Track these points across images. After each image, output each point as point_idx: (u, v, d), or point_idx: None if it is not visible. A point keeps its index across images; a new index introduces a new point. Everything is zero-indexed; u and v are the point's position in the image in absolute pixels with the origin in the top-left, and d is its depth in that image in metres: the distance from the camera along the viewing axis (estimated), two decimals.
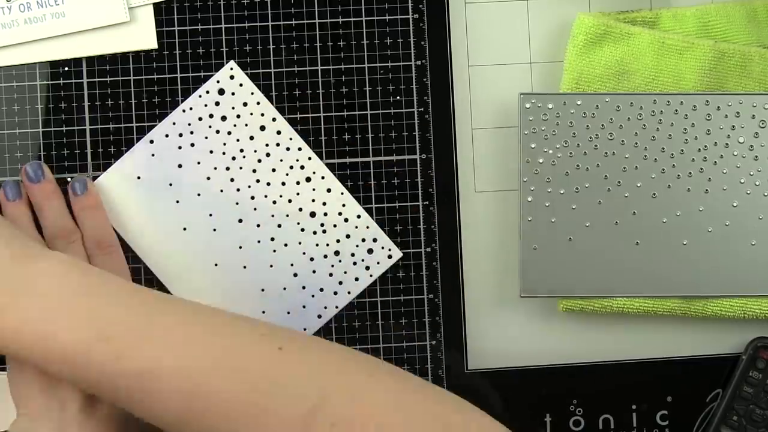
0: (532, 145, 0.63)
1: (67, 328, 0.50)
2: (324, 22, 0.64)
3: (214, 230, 0.64)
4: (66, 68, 0.63)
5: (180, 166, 0.64)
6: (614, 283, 0.63)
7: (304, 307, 0.64)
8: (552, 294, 0.63)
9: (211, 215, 0.64)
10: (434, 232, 0.64)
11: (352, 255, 0.64)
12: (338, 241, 0.64)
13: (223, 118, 0.64)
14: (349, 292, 0.64)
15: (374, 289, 0.64)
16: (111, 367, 0.50)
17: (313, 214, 0.64)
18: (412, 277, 0.64)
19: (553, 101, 0.62)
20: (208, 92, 0.64)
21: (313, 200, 0.64)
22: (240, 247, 0.64)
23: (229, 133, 0.64)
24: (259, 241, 0.64)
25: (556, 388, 0.64)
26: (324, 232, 0.64)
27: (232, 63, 0.64)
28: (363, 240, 0.64)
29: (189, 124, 0.64)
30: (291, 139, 0.64)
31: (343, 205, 0.64)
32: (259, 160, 0.64)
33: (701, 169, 0.62)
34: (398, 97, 0.64)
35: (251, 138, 0.64)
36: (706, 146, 0.62)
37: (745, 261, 0.63)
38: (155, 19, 0.63)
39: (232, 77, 0.64)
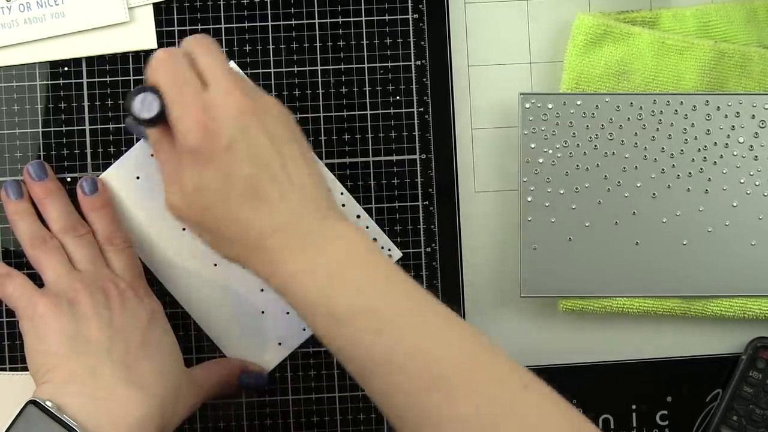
0: (532, 145, 0.63)
1: (342, 291, 0.51)
2: (324, 22, 0.64)
3: None
4: (66, 68, 0.63)
5: None
6: (614, 283, 0.63)
7: None
8: (552, 294, 0.63)
9: None
10: (434, 232, 0.64)
11: None
12: None
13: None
14: None
15: None
16: (367, 339, 0.50)
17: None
18: (412, 277, 0.64)
19: (553, 101, 0.62)
20: None
21: None
22: None
23: None
24: None
25: (556, 388, 0.64)
26: (342, 206, 0.64)
27: (232, 63, 0.64)
28: None
29: None
30: None
31: (343, 205, 0.64)
32: None
33: (701, 169, 0.63)
34: (398, 97, 0.64)
35: None
36: (706, 146, 0.62)
37: (745, 261, 0.63)
38: (155, 19, 0.63)
39: None
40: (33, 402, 0.53)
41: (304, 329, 0.64)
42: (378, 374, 0.51)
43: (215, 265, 0.64)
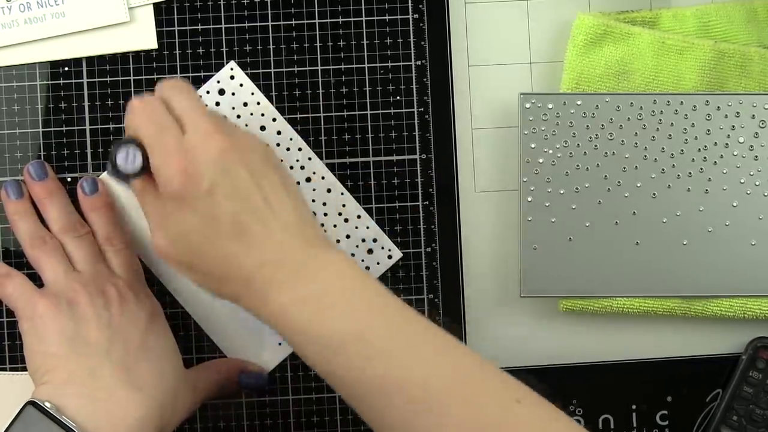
0: (532, 145, 0.63)
1: (331, 319, 0.51)
2: (324, 22, 0.64)
3: None
4: (66, 68, 0.63)
5: None
6: (614, 283, 0.63)
7: None
8: (552, 294, 0.63)
9: None
10: (434, 232, 0.64)
11: (352, 255, 0.64)
12: (338, 241, 0.64)
13: (224, 119, 0.64)
14: None
15: None
16: (359, 365, 0.51)
17: (313, 215, 0.64)
18: (412, 277, 0.64)
19: (553, 101, 0.62)
20: (208, 92, 0.64)
21: (313, 200, 0.64)
22: None
23: None
24: None
25: (556, 388, 0.64)
26: (324, 232, 0.64)
27: (232, 63, 0.64)
28: (363, 240, 0.64)
29: None
30: (291, 139, 0.64)
31: (343, 205, 0.64)
32: None
33: (701, 169, 0.62)
34: (398, 97, 0.64)
35: None
36: (706, 146, 0.62)
37: (745, 261, 0.63)
38: (155, 19, 0.63)
39: (232, 77, 0.64)
40: (32, 403, 0.53)
41: None
42: (370, 399, 0.51)
43: None
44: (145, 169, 0.53)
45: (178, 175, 0.51)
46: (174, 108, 0.54)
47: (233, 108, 0.64)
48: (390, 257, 0.64)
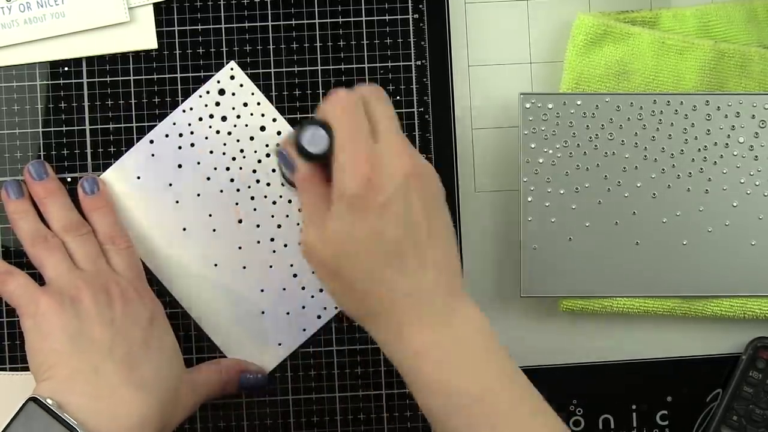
0: (532, 145, 0.63)
1: (463, 373, 0.51)
2: (324, 22, 0.64)
3: (214, 231, 0.64)
4: (66, 68, 0.63)
5: (180, 166, 0.64)
6: (614, 283, 0.63)
7: (303, 307, 0.64)
8: (552, 294, 0.63)
9: (210, 216, 0.64)
10: None
11: None
12: None
13: (224, 119, 0.64)
14: None
15: None
16: (476, 423, 0.51)
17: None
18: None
19: (553, 101, 0.62)
20: (208, 92, 0.64)
21: None
22: (240, 248, 0.64)
23: (230, 133, 0.64)
24: (258, 242, 0.64)
25: (556, 388, 0.64)
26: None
27: (232, 63, 0.64)
28: None
29: (189, 125, 0.64)
30: None
31: None
32: (259, 161, 0.64)
33: (701, 169, 0.63)
34: (398, 97, 0.64)
35: (251, 138, 0.64)
36: (706, 146, 0.62)
37: (745, 261, 0.63)
38: (155, 19, 0.63)
39: (232, 77, 0.64)
40: (33, 399, 0.53)
41: (304, 330, 0.64)
42: None
43: (215, 265, 0.64)
44: (322, 158, 0.52)
45: (359, 179, 0.50)
46: (372, 113, 0.53)
47: (233, 108, 0.64)
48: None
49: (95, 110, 0.64)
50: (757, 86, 0.63)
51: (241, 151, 0.64)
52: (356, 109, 0.52)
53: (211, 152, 0.64)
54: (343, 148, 0.51)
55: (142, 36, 0.63)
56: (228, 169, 0.64)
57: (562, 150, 0.63)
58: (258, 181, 0.64)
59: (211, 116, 0.64)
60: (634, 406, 0.65)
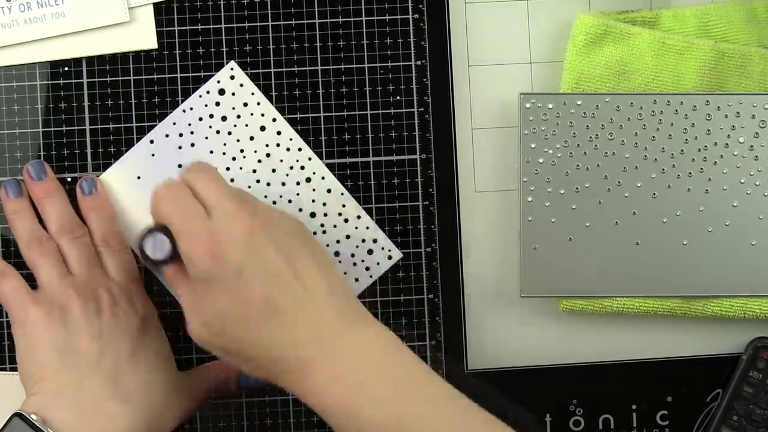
0: (532, 145, 0.63)
1: (370, 403, 0.51)
2: (324, 22, 0.64)
3: None
4: (66, 68, 0.63)
5: (180, 166, 0.64)
6: (614, 283, 0.63)
7: None
8: (552, 294, 0.63)
9: None
10: (434, 232, 0.64)
11: (352, 256, 0.64)
12: (338, 241, 0.64)
13: (224, 119, 0.64)
14: None
15: (374, 290, 0.64)
16: None
17: (313, 215, 0.64)
18: (412, 278, 0.64)
19: (553, 101, 0.62)
20: (208, 92, 0.64)
21: (313, 201, 0.64)
22: None
23: (230, 133, 0.64)
24: None
25: (556, 388, 0.64)
26: (324, 232, 0.64)
27: (232, 63, 0.64)
28: (363, 241, 0.64)
29: (189, 125, 0.64)
30: (291, 139, 0.64)
31: (343, 206, 0.64)
32: (260, 161, 0.64)
33: (701, 169, 0.63)
34: (398, 97, 0.64)
35: (251, 138, 0.64)
36: (706, 146, 0.62)
37: (745, 261, 0.63)
38: (155, 19, 0.63)
39: (232, 77, 0.64)
40: (18, 414, 0.53)
41: None
42: None
43: None
44: (176, 256, 0.53)
45: (205, 259, 0.51)
46: (198, 192, 0.53)
47: (233, 108, 0.64)
48: (390, 257, 0.64)
49: (95, 110, 0.63)
50: (757, 86, 0.63)
51: (241, 151, 0.64)
52: (181, 196, 0.53)
53: (211, 152, 0.64)
54: (181, 237, 0.52)
55: (142, 36, 0.63)
56: (228, 169, 0.64)
57: (562, 150, 0.63)
58: (258, 182, 0.64)
59: (211, 116, 0.64)
60: (634, 406, 0.65)
